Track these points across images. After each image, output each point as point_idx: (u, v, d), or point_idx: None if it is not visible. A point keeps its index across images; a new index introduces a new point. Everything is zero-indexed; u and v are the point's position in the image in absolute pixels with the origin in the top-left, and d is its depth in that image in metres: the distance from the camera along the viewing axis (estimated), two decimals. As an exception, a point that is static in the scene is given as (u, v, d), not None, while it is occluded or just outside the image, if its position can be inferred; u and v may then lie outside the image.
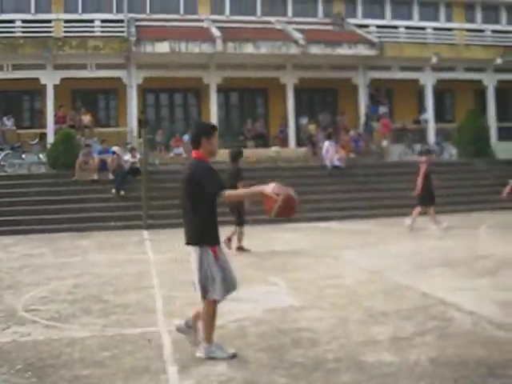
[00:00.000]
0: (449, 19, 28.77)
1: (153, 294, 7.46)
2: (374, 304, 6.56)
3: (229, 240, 10.58)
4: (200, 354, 4.84)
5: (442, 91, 26.07)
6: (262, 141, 23.11)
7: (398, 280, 7.88)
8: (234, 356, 4.82)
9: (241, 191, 4.84)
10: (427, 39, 27.25)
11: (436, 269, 8.65)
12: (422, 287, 7.30)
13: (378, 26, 27.33)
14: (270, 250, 11.15)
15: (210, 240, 4.84)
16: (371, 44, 23.39)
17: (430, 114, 24.68)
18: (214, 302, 4.83)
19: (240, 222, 11.09)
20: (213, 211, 4.86)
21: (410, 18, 28.28)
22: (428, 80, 24.72)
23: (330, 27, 26.16)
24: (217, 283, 4.76)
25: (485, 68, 25.25)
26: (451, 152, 21.77)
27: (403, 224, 13.61)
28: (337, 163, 19.50)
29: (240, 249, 11.03)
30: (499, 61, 24.67)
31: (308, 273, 8.74)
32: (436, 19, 28.59)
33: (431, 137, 24.30)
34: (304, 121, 23.94)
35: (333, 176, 19.34)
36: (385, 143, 22.84)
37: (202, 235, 4.81)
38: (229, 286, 4.88)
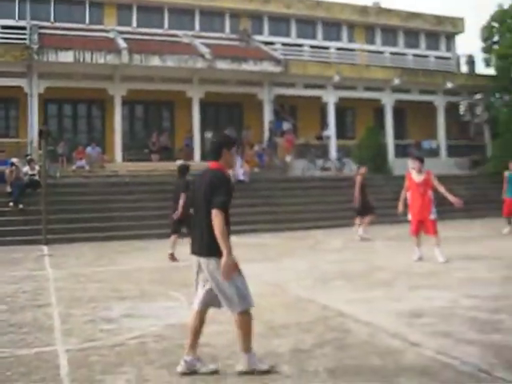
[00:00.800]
0: (351, 40, 29.98)
1: (50, 312, 7.19)
2: (275, 317, 6.64)
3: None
4: (241, 367, 4.69)
5: (344, 109, 27.00)
6: (167, 154, 22.94)
7: (300, 293, 8.03)
8: (272, 368, 4.73)
9: (225, 233, 4.49)
10: (330, 58, 28.23)
11: (336, 281, 8.88)
12: (322, 300, 7.47)
13: (284, 44, 28.11)
14: (173, 265, 11.04)
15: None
16: (276, 61, 23.88)
17: (331, 130, 25.47)
18: (247, 312, 4.65)
19: (175, 230, 11.57)
20: (227, 221, 4.60)
21: (314, 37, 29.26)
22: (330, 98, 25.52)
23: (236, 43, 26.49)
24: (244, 291, 4.60)
25: (383, 88, 26.40)
26: (351, 167, 22.48)
27: (355, 238, 14.58)
28: (241, 177, 19.70)
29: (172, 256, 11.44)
30: (397, 81, 25.95)
31: (211, 287, 8.70)
32: (339, 39, 29.69)
33: (333, 152, 25.07)
34: (210, 135, 23.99)
35: (237, 190, 19.47)
36: (288, 158, 23.32)
37: (218, 245, 4.52)
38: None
